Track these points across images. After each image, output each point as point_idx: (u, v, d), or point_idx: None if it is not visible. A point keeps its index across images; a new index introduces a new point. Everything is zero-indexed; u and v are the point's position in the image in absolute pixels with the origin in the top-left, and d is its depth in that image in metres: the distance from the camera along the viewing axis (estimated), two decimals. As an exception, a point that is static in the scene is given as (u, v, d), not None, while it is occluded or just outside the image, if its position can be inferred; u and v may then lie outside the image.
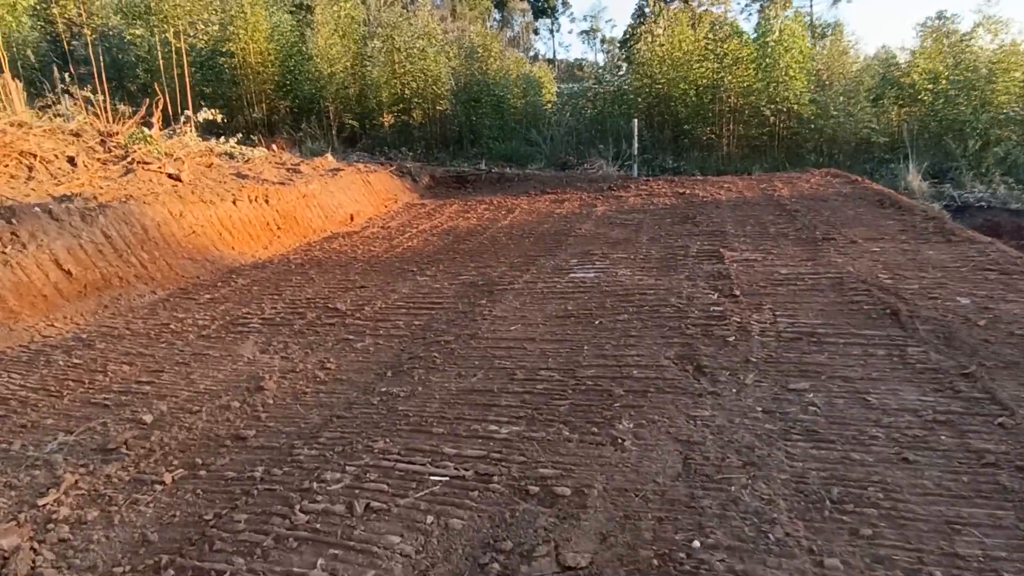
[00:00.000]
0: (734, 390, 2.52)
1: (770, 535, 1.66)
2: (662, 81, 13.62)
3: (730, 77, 12.94)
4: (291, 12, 16.71)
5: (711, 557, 1.59)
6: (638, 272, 4.49)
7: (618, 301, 3.82)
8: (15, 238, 4.16)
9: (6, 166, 5.26)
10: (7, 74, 7.46)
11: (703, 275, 4.28)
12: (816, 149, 13.06)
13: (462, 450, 2.18)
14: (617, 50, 33.41)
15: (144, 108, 7.19)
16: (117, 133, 6.54)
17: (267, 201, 6.55)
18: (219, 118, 8.33)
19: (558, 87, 19.81)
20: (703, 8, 15.81)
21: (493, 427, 2.34)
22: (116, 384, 2.99)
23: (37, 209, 4.47)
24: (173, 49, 12.44)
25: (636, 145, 12.14)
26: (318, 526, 1.81)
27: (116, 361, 3.30)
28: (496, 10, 45.48)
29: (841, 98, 12.80)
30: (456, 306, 3.96)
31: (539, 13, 51.00)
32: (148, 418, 2.59)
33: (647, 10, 23.79)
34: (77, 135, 6.33)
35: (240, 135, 9.58)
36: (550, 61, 43.09)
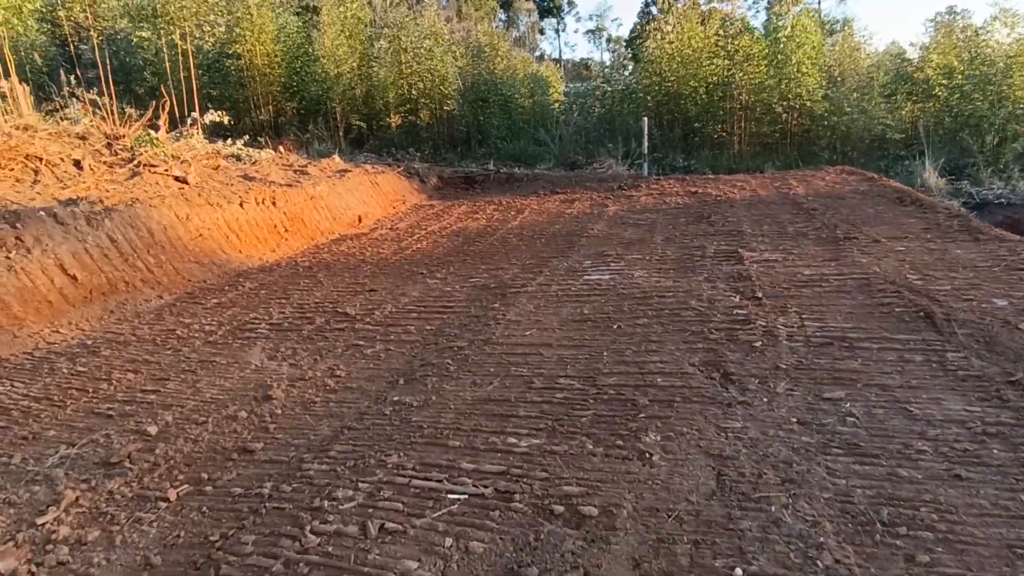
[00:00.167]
0: (765, 399, 2.39)
1: (818, 562, 1.53)
2: (672, 79, 13.44)
3: (741, 74, 12.75)
4: (297, 13, 16.66)
5: (755, 586, 1.47)
6: (655, 274, 4.36)
7: (636, 304, 3.70)
8: (20, 243, 4.09)
9: (11, 170, 5.20)
10: (14, 78, 7.43)
11: (722, 276, 4.15)
12: (829, 146, 12.84)
13: (480, 465, 2.07)
14: (623, 49, 33.21)
15: (151, 111, 7.13)
16: (123, 136, 6.48)
17: (274, 203, 6.47)
18: (226, 120, 8.26)
19: (566, 86, 19.67)
20: (709, 5, 15.61)
21: (512, 440, 2.22)
22: (121, 393, 2.91)
23: (42, 213, 4.40)
24: (180, 51, 12.42)
25: (646, 144, 11.98)
26: (330, 549, 1.70)
27: (121, 369, 3.21)
28: (501, 10, 45.37)
29: (855, 94, 12.58)
30: (468, 310, 3.85)
31: (544, 13, 50.82)
32: (153, 429, 2.50)
33: (654, 9, 23.62)
34: (83, 138, 6.27)
35: (247, 137, 9.52)
36: (556, 61, 42.94)
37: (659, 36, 13.63)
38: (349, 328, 3.65)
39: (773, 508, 1.74)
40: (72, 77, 8.95)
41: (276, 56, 14.67)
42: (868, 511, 1.70)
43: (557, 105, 16.48)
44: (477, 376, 2.83)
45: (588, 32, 57.49)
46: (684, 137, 13.67)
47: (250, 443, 2.35)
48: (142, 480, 2.14)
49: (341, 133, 14.87)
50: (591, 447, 2.14)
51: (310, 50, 15.25)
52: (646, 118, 12.19)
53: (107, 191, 5.42)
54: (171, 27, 13.10)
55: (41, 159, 5.42)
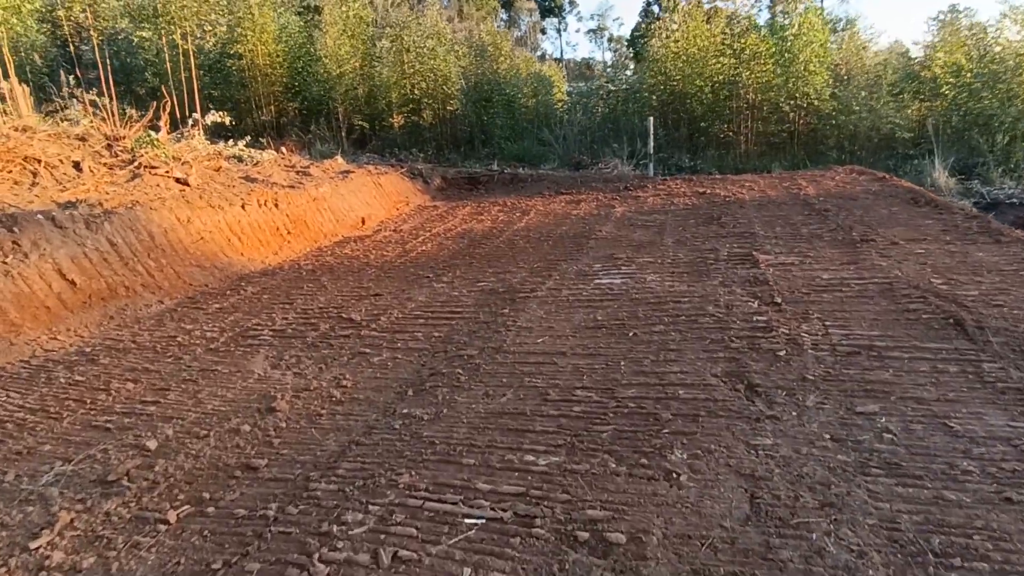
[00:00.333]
0: (795, 413, 2.28)
1: (869, 598, 1.42)
2: (677, 78, 13.31)
3: (748, 73, 12.61)
4: (299, 13, 16.57)
5: (803, 626, 1.35)
6: (668, 278, 4.24)
7: (651, 310, 3.58)
8: (17, 247, 3.99)
9: (9, 172, 5.10)
10: (13, 79, 7.34)
11: (738, 280, 4.03)
12: (837, 146, 12.70)
13: (498, 486, 1.96)
14: (625, 49, 33.06)
15: (151, 111, 7.03)
16: (124, 137, 6.37)
17: (277, 205, 6.36)
18: (227, 121, 8.17)
19: (569, 86, 19.54)
20: (712, 4, 15.46)
21: (530, 457, 2.11)
22: (119, 404, 2.80)
23: (40, 216, 4.29)
24: (181, 52, 12.33)
25: (652, 144, 11.86)
26: (340, 580, 1.59)
27: (120, 378, 3.10)
28: (503, 10, 45.21)
29: (863, 93, 12.44)
30: (477, 316, 3.74)
31: (546, 12, 50.64)
32: (152, 444, 2.39)
33: (656, 8, 23.47)
34: (83, 139, 6.17)
35: (249, 138, 9.42)
36: (558, 60, 42.78)
37: (664, 35, 13.50)
38: (355, 335, 3.54)
39: (814, 536, 1.63)
40: (72, 78, 8.86)
41: (278, 56, 14.57)
42: (918, 539, 1.59)
43: (560, 105, 16.35)
44: (489, 387, 2.72)
45: (590, 32, 57.37)
46: (690, 137, 13.54)
47: (254, 459, 2.24)
48: (140, 500, 2.03)
49: (343, 134, 14.76)
50: (614, 466, 2.02)
51: (312, 50, 15.16)
52: (652, 118, 12.07)
53: (107, 193, 5.32)
54: (172, 27, 13.00)
55: (40, 161, 5.32)
